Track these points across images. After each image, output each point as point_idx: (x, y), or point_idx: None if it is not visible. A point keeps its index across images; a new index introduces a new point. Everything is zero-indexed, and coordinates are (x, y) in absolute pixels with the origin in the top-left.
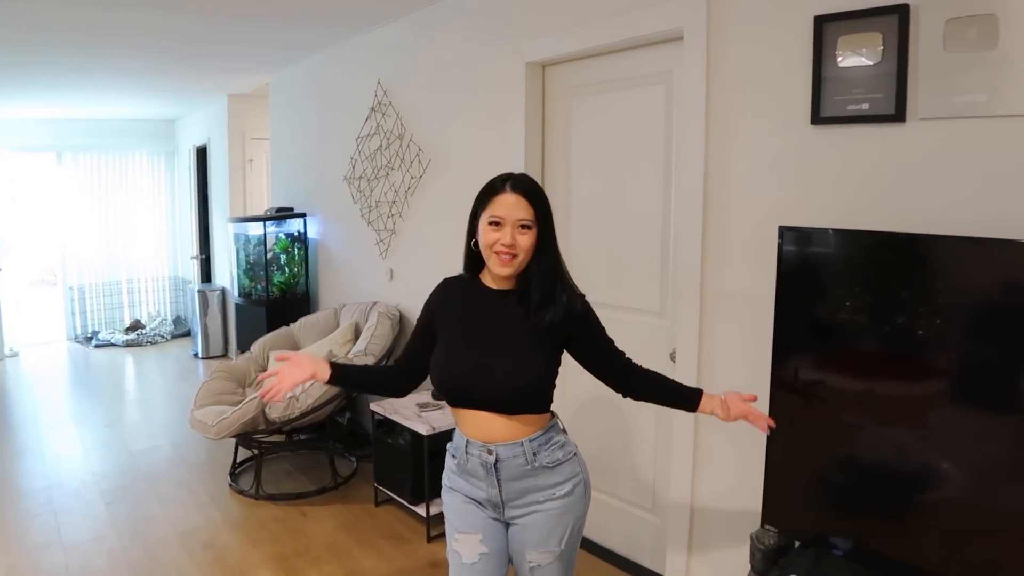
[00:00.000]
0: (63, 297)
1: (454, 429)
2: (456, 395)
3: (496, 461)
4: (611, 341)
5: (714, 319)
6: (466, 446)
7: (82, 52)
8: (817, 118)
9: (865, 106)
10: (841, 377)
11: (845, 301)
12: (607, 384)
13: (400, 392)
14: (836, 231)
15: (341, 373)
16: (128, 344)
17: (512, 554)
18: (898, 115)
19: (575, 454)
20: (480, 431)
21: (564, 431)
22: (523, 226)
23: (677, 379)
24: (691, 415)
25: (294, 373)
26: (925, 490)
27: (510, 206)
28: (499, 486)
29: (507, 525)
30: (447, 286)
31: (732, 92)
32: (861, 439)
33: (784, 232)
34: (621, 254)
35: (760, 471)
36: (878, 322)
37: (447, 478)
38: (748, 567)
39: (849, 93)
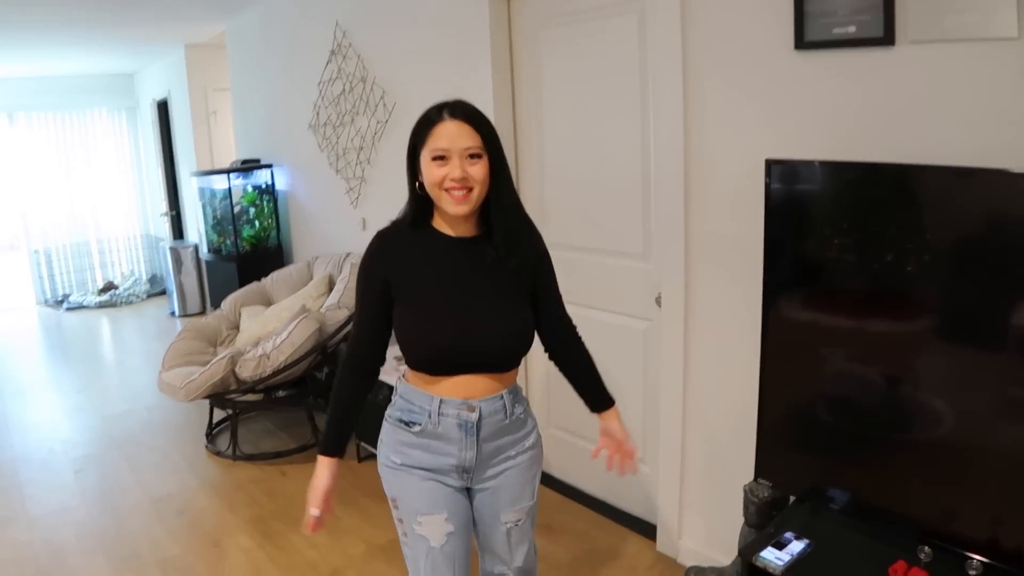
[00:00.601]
0: (28, 261)
1: (399, 393)
2: (441, 363)
3: (479, 418)
4: (560, 295)
5: (700, 261)
6: (439, 406)
7: (26, 5)
8: (801, 43)
9: (852, 29)
10: (833, 318)
11: (834, 238)
12: (541, 339)
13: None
14: (824, 164)
15: (339, 448)
16: (101, 306)
17: (481, 521)
18: (886, 38)
19: (534, 423)
20: (462, 390)
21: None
22: (472, 155)
23: (665, 327)
24: (681, 358)
25: (325, 503)
26: (919, 433)
27: (453, 135)
28: (477, 447)
29: (469, 493)
30: (388, 241)
31: (710, 18)
32: (854, 383)
33: (771, 166)
34: (601, 196)
35: (753, 422)
36: (868, 259)
37: (396, 453)
38: (742, 520)
39: (835, 15)
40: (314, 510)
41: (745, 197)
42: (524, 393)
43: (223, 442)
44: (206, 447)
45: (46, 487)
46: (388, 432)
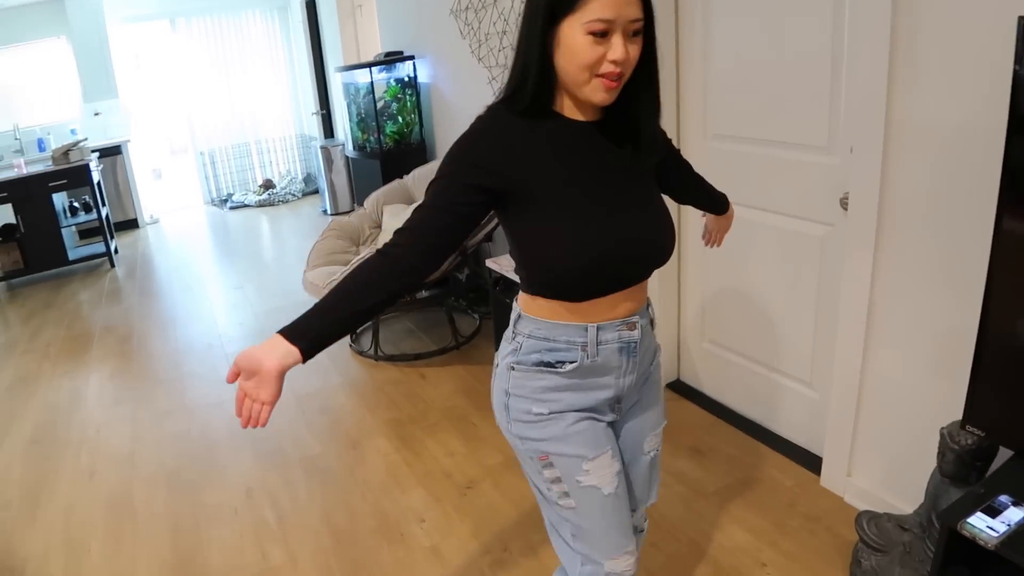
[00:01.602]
0: (195, 163)
1: (528, 332)
2: (600, 280)
3: (640, 338)
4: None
5: (903, 155)
6: (597, 335)
7: None
8: None
9: None
10: None
11: None
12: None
13: (400, 297)
14: None
15: (314, 343)
16: (261, 204)
17: (627, 455)
18: None
19: None
20: (622, 308)
21: None
22: (635, 32)
23: (850, 232)
24: (869, 269)
25: (263, 391)
26: None
27: (620, 3)
28: (636, 372)
29: (613, 425)
30: (502, 130)
31: None
32: None
33: None
34: (776, 76)
35: (959, 352)
36: None
37: (539, 403)
38: (930, 463)
39: None
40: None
41: (975, 72)
42: None
43: (366, 342)
44: (350, 346)
45: (203, 380)
46: (520, 381)
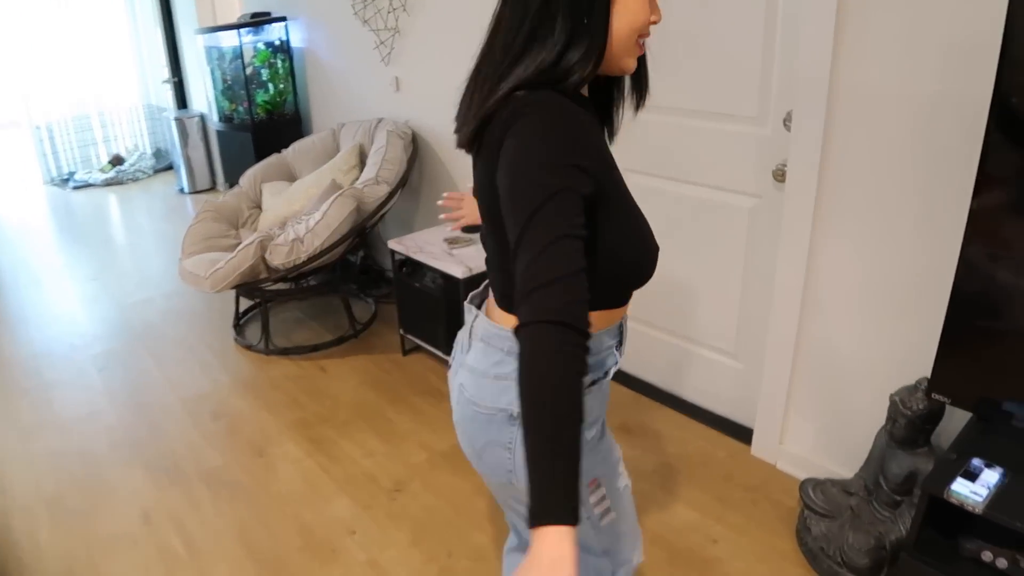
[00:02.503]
0: (31, 138)
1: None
2: (645, 278)
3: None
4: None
5: (847, 127)
6: (620, 332)
7: None
8: None
9: None
10: None
11: None
12: None
13: None
14: None
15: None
16: (108, 183)
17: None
18: None
19: None
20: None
21: None
22: None
23: (789, 204)
24: (806, 242)
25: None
26: None
27: None
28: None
29: None
30: (575, 114)
31: None
32: None
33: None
34: (701, 42)
35: (897, 318)
36: None
37: (592, 424)
38: (864, 426)
39: None
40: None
41: (930, 42)
42: None
43: (252, 334)
44: (235, 339)
45: (72, 388)
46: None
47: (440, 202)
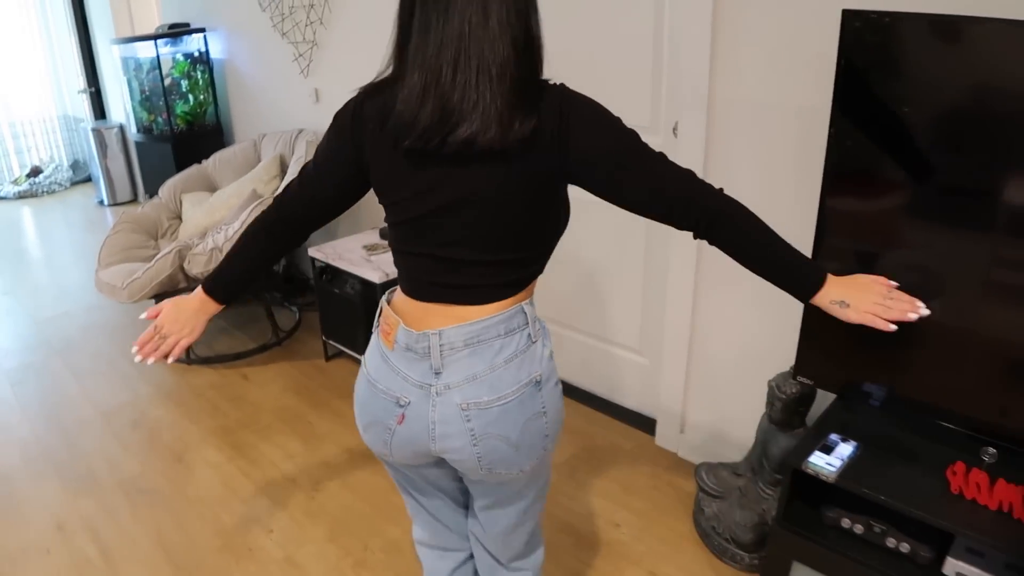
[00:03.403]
0: None
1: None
2: None
3: None
4: None
5: (726, 134)
6: None
7: None
8: None
9: None
10: (906, 208)
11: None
12: None
13: None
14: (929, 17)
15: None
16: (22, 196)
17: None
18: None
19: None
20: None
21: None
22: None
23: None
24: (695, 245)
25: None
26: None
27: None
28: None
29: None
30: None
31: None
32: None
33: (850, 18)
34: (596, 55)
35: (774, 312)
36: (962, 147)
37: None
38: (753, 414)
39: None
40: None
41: (796, 59)
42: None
43: None
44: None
45: None
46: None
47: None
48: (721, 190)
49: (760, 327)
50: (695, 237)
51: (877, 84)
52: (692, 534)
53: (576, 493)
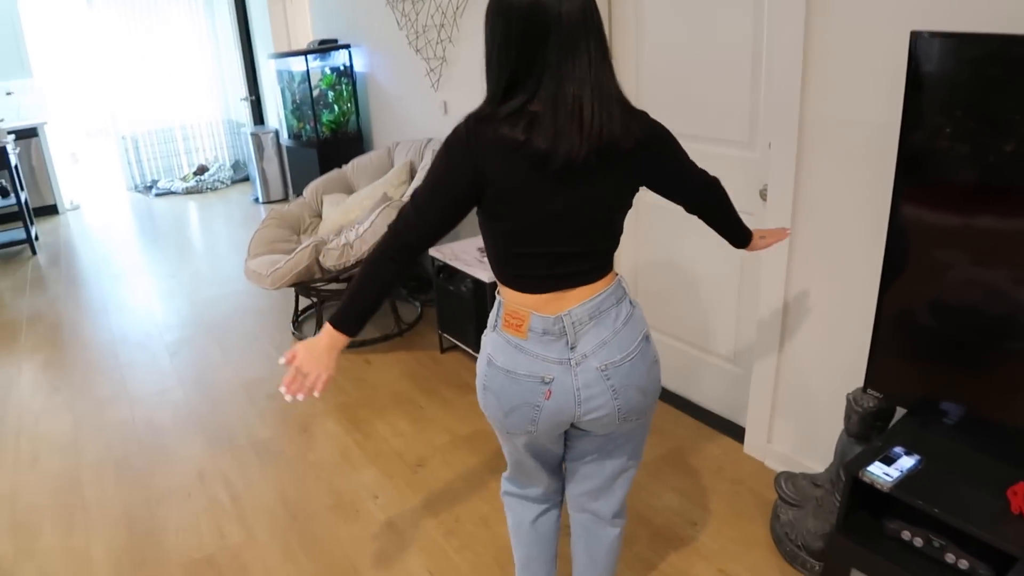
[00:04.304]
0: (117, 148)
1: None
2: None
3: None
4: None
5: (815, 150)
6: None
7: None
8: None
9: None
10: (977, 220)
11: (991, 131)
12: None
13: None
14: (991, 37)
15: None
16: (189, 191)
17: None
18: None
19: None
20: None
21: (493, 317)
22: None
23: (769, 221)
24: (785, 256)
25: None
26: None
27: None
28: None
29: None
30: None
31: None
32: (994, 291)
33: (918, 40)
34: (703, 75)
35: (862, 325)
36: None
37: None
38: (838, 427)
39: None
40: (282, 359)
41: (875, 77)
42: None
43: (309, 329)
44: (292, 333)
45: (144, 368)
46: None
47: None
48: (717, 180)
49: (847, 343)
50: (688, 212)
51: (942, 100)
52: (766, 539)
53: (658, 490)
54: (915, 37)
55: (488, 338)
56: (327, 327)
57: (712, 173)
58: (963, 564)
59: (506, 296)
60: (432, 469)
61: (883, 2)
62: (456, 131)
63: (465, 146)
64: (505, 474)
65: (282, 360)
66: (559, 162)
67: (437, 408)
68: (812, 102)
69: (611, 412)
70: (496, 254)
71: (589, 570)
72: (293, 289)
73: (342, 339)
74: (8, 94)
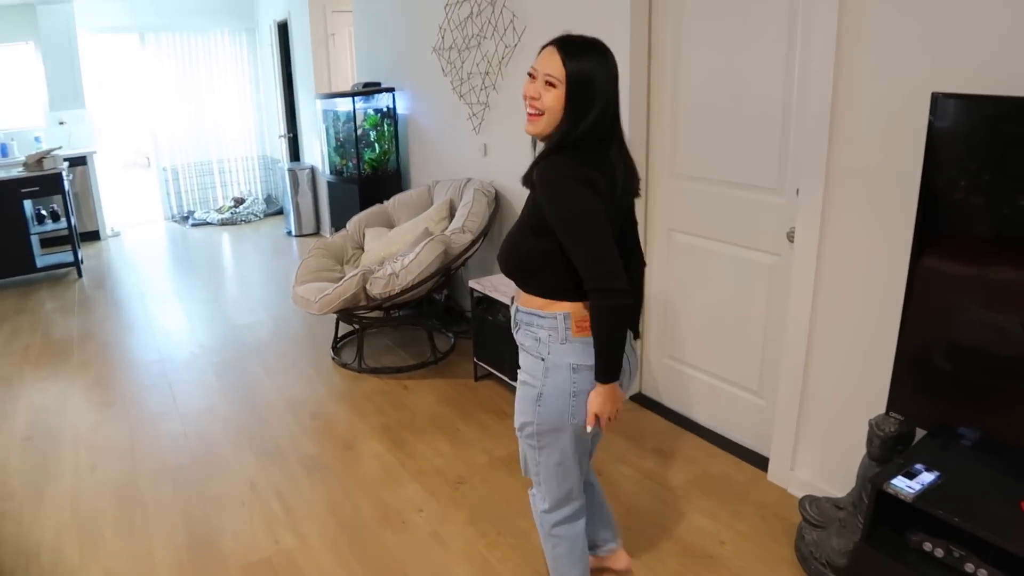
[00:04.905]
0: (157, 178)
1: None
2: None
3: (513, 317)
4: (577, 250)
5: (839, 197)
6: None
7: None
8: None
9: None
10: (992, 267)
11: (1011, 183)
12: None
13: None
14: (999, 99)
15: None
16: (223, 223)
17: None
18: None
19: (543, 359)
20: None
21: (554, 332)
22: (548, 82)
23: (796, 261)
24: (810, 293)
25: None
26: None
27: (544, 59)
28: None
29: None
30: None
31: None
32: (1006, 334)
33: (938, 100)
34: (735, 127)
35: (881, 358)
36: None
37: None
38: (858, 454)
39: None
40: (589, 428)
41: (898, 131)
42: (544, 353)
43: (348, 355)
44: (332, 359)
45: (192, 385)
46: None
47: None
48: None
49: (867, 373)
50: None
51: (959, 156)
52: (792, 558)
53: (688, 511)
54: (935, 98)
55: (561, 351)
56: (609, 386)
57: (742, 216)
58: (982, 573)
59: (572, 308)
60: (472, 486)
61: (907, 62)
62: (586, 174)
63: (592, 185)
64: (550, 508)
65: (589, 429)
66: (631, 194)
67: (474, 431)
68: (839, 152)
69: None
70: (570, 274)
71: None
72: (332, 317)
73: (616, 384)
74: (60, 123)
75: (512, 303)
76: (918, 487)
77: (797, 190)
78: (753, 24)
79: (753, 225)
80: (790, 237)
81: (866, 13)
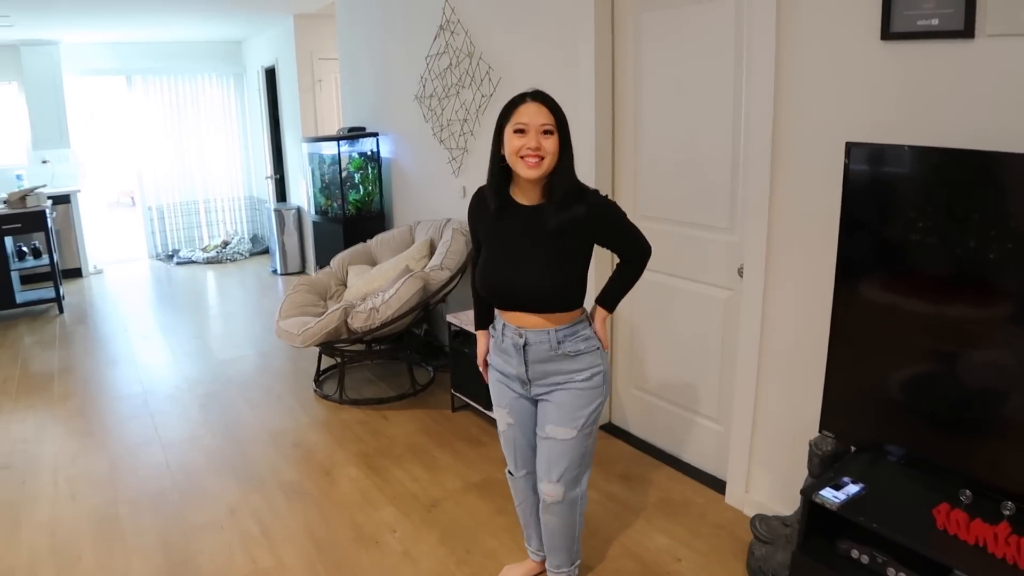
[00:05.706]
0: (142, 217)
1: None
2: (495, 299)
3: (525, 344)
4: (632, 236)
5: (781, 235)
6: (503, 328)
7: None
8: (887, 33)
9: (934, 21)
10: (903, 298)
11: (912, 221)
12: None
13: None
14: (906, 148)
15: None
16: (208, 261)
17: (537, 425)
18: (967, 31)
19: (598, 348)
20: (515, 320)
21: (587, 325)
22: (546, 131)
23: (745, 296)
24: (759, 325)
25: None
26: (983, 407)
27: (532, 114)
28: (526, 365)
29: (535, 402)
30: (480, 196)
31: (802, 8)
32: (918, 358)
33: (851, 148)
34: (691, 173)
35: (818, 383)
36: (947, 244)
37: (491, 355)
38: (805, 474)
39: (919, 8)
40: (481, 367)
41: (827, 178)
42: (596, 344)
43: (329, 388)
44: (314, 391)
45: (175, 417)
46: (490, 338)
47: None
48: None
49: (808, 397)
50: None
51: (871, 199)
52: (743, 573)
53: (648, 531)
54: (848, 147)
55: (601, 353)
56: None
57: (699, 254)
58: None
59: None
60: (444, 509)
61: (826, 120)
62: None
63: None
64: (584, 480)
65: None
66: None
67: (450, 458)
68: (778, 196)
69: None
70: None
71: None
72: (315, 352)
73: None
74: (44, 162)
75: (522, 336)
76: (843, 497)
77: (746, 230)
78: (703, 79)
79: (708, 262)
80: (740, 272)
81: (796, 72)
